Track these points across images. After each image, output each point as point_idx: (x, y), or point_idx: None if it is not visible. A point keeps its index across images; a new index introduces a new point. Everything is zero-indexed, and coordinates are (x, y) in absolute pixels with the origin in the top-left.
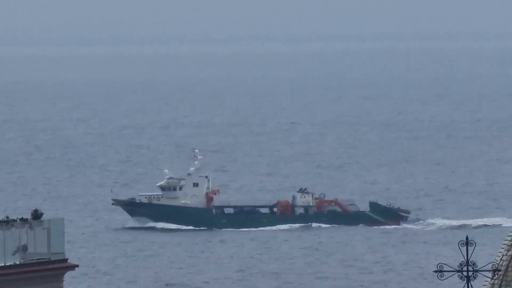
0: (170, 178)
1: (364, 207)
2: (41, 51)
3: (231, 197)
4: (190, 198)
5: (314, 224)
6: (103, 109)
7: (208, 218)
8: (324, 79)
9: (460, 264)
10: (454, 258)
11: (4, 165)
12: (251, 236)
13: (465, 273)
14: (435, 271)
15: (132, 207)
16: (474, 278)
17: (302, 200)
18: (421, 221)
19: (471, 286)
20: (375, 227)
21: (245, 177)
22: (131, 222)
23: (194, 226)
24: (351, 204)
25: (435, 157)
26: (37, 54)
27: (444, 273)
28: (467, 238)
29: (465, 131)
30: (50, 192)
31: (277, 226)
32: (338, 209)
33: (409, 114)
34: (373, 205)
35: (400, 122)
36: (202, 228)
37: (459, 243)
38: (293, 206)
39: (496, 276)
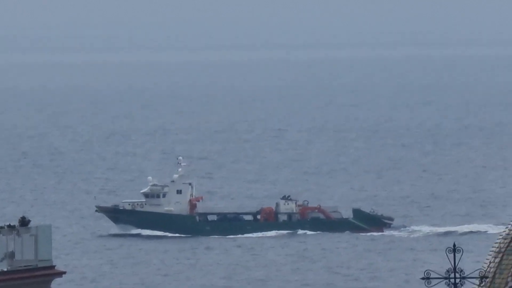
0: (154, 185)
1: (348, 214)
2: (27, 58)
3: (218, 204)
4: (174, 205)
5: (300, 231)
6: (90, 116)
7: (191, 225)
8: (311, 86)
9: (448, 271)
10: (441, 265)
11: None
12: (237, 243)
13: (452, 280)
14: (422, 278)
15: (115, 214)
16: (462, 285)
17: (286, 207)
18: (405, 228)
19: None
20: (360, 234)
21: (232, 184)
22: (117, 229)
23: (177, 233)
24: (335, 211)
25: (422, 164)
26: (23, 61)
27: (432, 280)
28: (454, 245)
29: (451, 138)
30: (37, 199)
31: (260, 233)
32: (321, 216)
33: (396, 121)
34: (357, 212)
35: (387, 129)
36: (186, 235)
37: (446, 250)
38: (276, 213)
39: (484, 282)
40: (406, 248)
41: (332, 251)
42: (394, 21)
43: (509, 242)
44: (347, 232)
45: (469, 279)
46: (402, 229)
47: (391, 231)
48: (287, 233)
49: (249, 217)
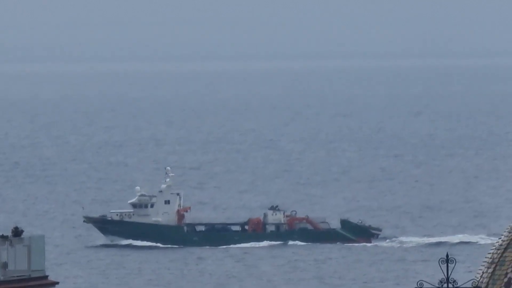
0: (142, 195)
1: (336, 224)
2: (19, 67)
3: (209, 214)
4: (162, 215)
5: (290, 242)
6: (82, 126)
7: (179, 235)
8: (303, 96)
9: (441, 281)
10: (433, 275)
11: None
12: (228, 253)
13: None
14: None
15: (103, 224)
16: None
17: (274, 218)
18: (396, 238)
19: None
20: (350, 244)
21: (224, 194)
22: (105, 239)
23: (165, 244)
24: (323, 222)
25: (414, 174)
26: (15, 71)
27: None
28: (447, 255)
29: (443, 148)
30: (29, 209)
31: (248, 243)
32: (309, 226)
33: (388, 131)
34: (345, 223)
35: (379, 139)
36: (174, 245)
37: (439, 260)
38: (264, 224)
39: None
40: (398, 259)
41: (323, 262)
42: (386, 32)
43: (502, 253)
44: (337, 242)
45: None
46: (393, 239)
47: (382, 242)
48: (279, 243)
49: (237, 228)
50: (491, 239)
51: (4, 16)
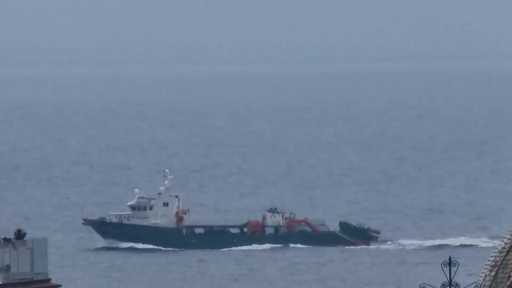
0: (140, 197)
1: (335, 227)
2: (21, 71)
3: (209, 216)
4: (160, 218)
5: (289, 244)
6: (84, 129)
7: (178, 238)
8: (305, 100)
9: (443, 284)
10: (434, 278)
11: None
12: (229, 256)
13: None
14: None
15: (102, 226)
16: None
17: (272, 220)
18: (396, 241)
19: None
20: (350, 247)
21: (225, 197)
22: (104, 241)
23: (164, 246)
24: (321, 224)
25: (415, 177)
26: (17, 74)
27: None
28: (450, 258)
29: (445, 151)
30: (30, 212)
31: (247, 246)
32: (308, 229)
33: (389, 134)
34: (343, 225)
35: (381, 142)
36: (172, 248)
37: (442, 263)
38: (263, 226)
39: None
40: (399, 261)
41: (324, 264)
42: (388, 35)
43: (505, 256)
44: (334, 245)
45: None
46: (394, 242)
47: (383, 244)
48: (280, 246)
49: (236, 230)
50: (493, 242)
51: (6, 18)
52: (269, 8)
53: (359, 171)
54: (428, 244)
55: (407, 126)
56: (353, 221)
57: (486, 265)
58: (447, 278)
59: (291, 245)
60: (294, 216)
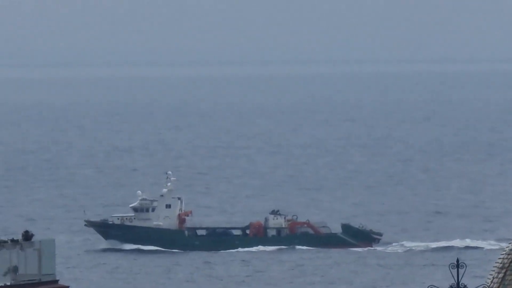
0: (143, 199)
1: (337, 229)
2: (26, 73)
3: (214, 218)
4: (163, 219)
5: (292, 246)
6: (90, 131)
7: (180, 240)
8: (311, 102)
9: (451, 286)
10: (441, 280)
11: None
12: (235, 257)
13: None
14: None
15: (104, 228)
16: None
17: (275, 222)
18: (401, 243)
19: None
20: (357, 249)
21: (231, 199)
22: (106, 243)
23: (166, 248)
24: (324, 226)
25: (421, 179)
26: (22, 76)
27: None
28: (457, 260)
29: (451, 153)
30: (37, 213)
31: (249, 248)
32: (310, 231)
33: (395, 136)
34: (346, 227)
35: (386, 144)
36: (175, 250)
37: (449, 265)
38: (265, 228)
39: None
40: (405, 263)
41: (331, 267)
42: (391, 37)
43: None
44: (337, 247)
45: None
46: (400, 244)
47: (389, 247)
48: (280, 248)
49: (238, 232)
50: (499, 244)
51: (10, 21)
52: (276, 9)
53: (365, 173)
54: (434, 246)
55: (413, 128)
56: (354, 223)
57: (494, 267)
58: (455, 280)
59: (297, 247)
60: (296, 218)
